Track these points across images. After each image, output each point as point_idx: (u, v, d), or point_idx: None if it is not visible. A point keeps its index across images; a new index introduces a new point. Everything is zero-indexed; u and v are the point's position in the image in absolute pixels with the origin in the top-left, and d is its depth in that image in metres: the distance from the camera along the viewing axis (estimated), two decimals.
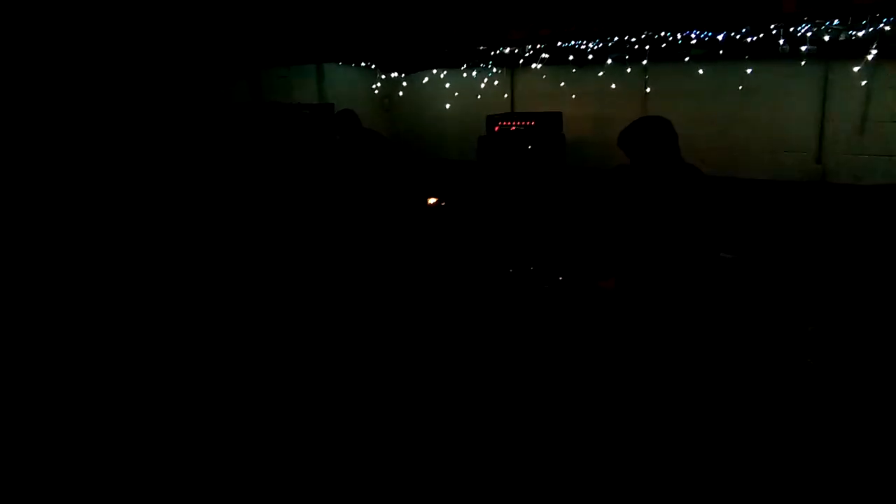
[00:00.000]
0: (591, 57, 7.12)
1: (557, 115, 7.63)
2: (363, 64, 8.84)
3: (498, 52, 7.41)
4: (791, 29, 5.67)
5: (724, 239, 3.16)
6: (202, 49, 6.01)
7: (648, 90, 7.46)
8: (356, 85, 9.01)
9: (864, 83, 6.16)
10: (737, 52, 6.38)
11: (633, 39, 6.41)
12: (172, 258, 5.71)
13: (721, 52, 6.38)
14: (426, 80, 9.13)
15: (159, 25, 5.65)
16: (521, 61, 7.85)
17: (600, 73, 7.23)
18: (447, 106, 9.00)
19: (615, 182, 3.35)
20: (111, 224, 5.46)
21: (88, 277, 5.06)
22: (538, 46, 7.00)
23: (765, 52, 6.27)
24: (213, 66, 6.49)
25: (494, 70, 8.61)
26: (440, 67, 8.93)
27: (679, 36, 6.19)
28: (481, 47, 6.77)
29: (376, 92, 9.35)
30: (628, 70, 7.27)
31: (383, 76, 9.36)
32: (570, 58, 7.20)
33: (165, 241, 5.79)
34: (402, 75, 9.37)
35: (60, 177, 5.20)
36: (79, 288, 4.94)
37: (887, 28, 5.37)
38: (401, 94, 9.51)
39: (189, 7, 5.68)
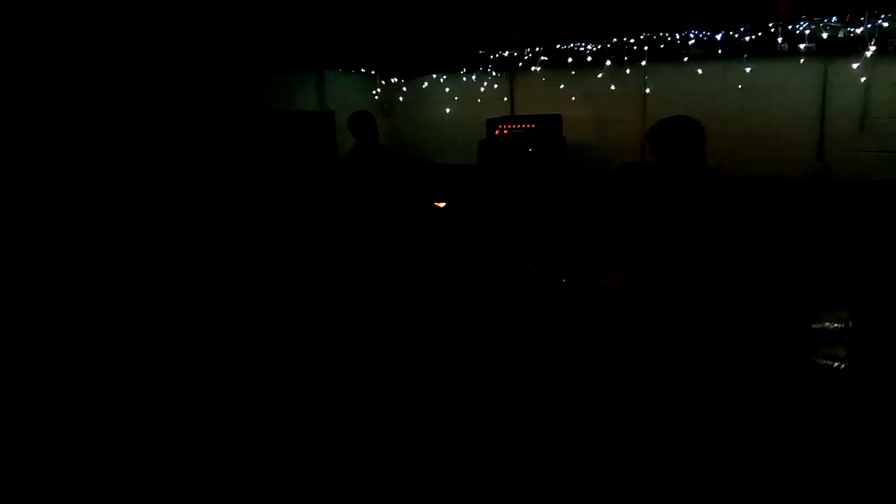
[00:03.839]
0: (589, 59, 7.14)
1: (557, 118, 7.64)
2: (363, 70, 8.87)
3: (497, 55, 7.43)
4: (789, 27, 5.69)
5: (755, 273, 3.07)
6: (204, 58, 6.04)
7: (648, 91, 7.47)
8: (356, 91, 9.04)
9: (863, 80, 6.17)
10: (736, 50, 6.41)
11: (632, 40, 6.43)
12: (175, 262, 5.73)
13: (720, 51, 6.40)
14: (426, 84, 9.16)
15: (160, 35, 5.68)
16: (520, 64, 7.87)
17: (599, 75, 7.24)
18: (447, 110, 9.03)
19: (625, 180, 3.33)
20: (113, 228, 5.50)
21: (89, 279, 5.10)
22: (537, 49, 7.03)
23: (764, 51, 6.30)
24: (215, 75, 6.52)
25: (494, 74, 8.64)
26: (439, 72, 8.97)
27: (677, 36, 6.22)
28: (480, 51, 6.78)
29: (376, 98, 9.38)
30: (627, 71, 7.29)
31: (383, 82, 9.39)
32: (569, 60, 7.22)
33: (169, 246, 5.81)
34: (402, 81, 9.41)
35: (63, 181, 5.25)
36: (78, 289, 4.98)
37: (885, 24, 5.39)
38: (401, 99, 9.55)
39: (190, 17, 5.72)
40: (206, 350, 4.45)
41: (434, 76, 9.07)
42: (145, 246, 5.67)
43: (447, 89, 9.06)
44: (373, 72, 9.04)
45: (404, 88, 9.46)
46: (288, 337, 4.66)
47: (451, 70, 8.74)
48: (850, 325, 3.77)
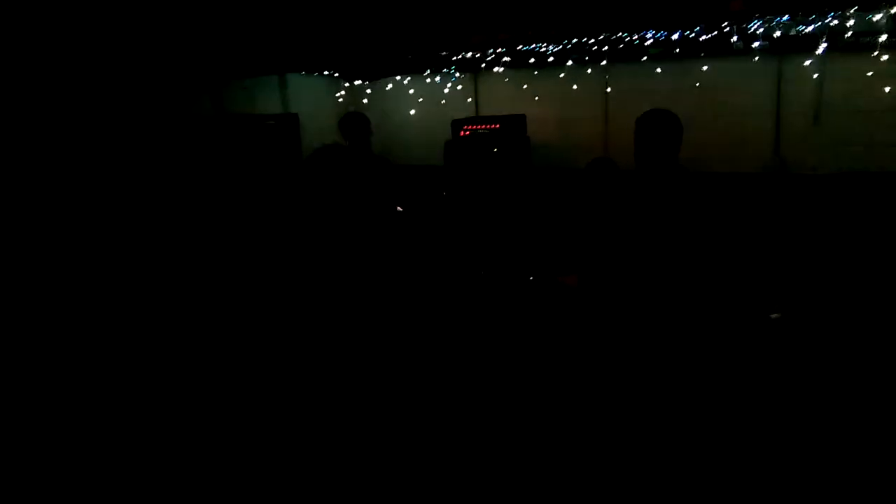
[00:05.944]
0: (551, 59, 7.22)
1: (521, 118, 7.71)
2: (326, 72, 8.84)
3: (460, 56, 7.47)
4: (743, 26, 5.82)
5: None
6: (161, 61, 5.96)
7: (609, 90, 7.58)
8: (320, 94, 9.00)
9: (815, 75, 6.34)
10: (692, 50, 6.55)
11: (592, 41, 6.52)
12: (136, 272, 5.66)
13: (677, 50, 6.54)
14: (390, 86, 9.16)
15: (119, 39, 5.59)
16: (484, 65, 7.92)
17: (561, 75, 7.34)
18: (412, 112, 9.05)
19: (593, 176, 3.36)
20: (64, 235, 5.42)
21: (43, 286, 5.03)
22: (499, 50, 7.08)
23: (719, 50, 6.44)
24: (173, 77, 6.44)
25: (458, 75, 8.68)
26: (403, 74, 8.98)
27: (635, 36, 6.32)
28: (443, 53, 6.82)
29: (340, 100, 9.35)
30: (588, 71, 7.38)
31: (347, 84, 9.37)
32: (532, 61, 7.29)
33: (131, 255, 5.73)
34: (366, 82, 9.40)
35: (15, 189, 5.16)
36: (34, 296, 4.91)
37: (835, 22, 5.55)
38: (365, 101, 9.53)
39: (150, 21, 5.64)
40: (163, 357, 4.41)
41: (398, 78, 9.08)
42: (99, 253, 5.59)
43: (412, 91, 9.07)
44: (336, 74, 9.02)
45: (369, 90, 9.45)
46: (247, 347, 4.63)
47: (416, 71, 8.76)
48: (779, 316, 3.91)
